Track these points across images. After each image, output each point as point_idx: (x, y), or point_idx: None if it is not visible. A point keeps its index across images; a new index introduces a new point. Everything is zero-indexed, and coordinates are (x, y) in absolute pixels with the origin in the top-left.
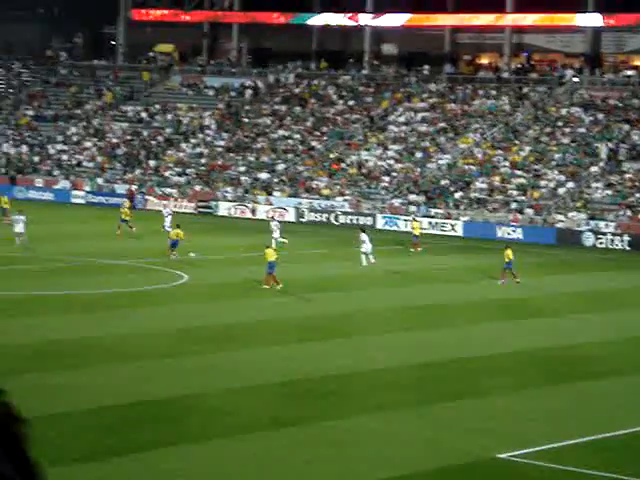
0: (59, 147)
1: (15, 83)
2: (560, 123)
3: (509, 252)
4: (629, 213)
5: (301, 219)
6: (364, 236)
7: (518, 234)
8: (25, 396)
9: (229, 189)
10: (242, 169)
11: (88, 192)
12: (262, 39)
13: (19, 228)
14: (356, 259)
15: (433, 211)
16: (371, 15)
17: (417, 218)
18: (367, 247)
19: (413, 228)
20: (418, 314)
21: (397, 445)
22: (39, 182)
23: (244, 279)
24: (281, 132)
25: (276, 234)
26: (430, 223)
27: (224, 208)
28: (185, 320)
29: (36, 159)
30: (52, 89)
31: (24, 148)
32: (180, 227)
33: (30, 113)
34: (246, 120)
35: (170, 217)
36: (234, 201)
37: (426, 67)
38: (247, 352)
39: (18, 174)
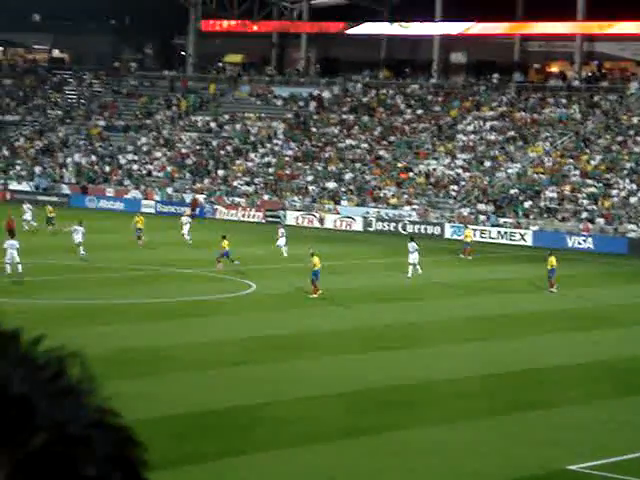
0: (129, 157)
1: (86, 94)
2: (632, 132)
3: (553, 259)
4: None
5: (368, 228)
6: (413, 245)
7: (589, 244)
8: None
9: (297, 198)
10: (310, 178)
11: (158, 201)
12: (330, 48)
13: (78, 238)
14: (420, 268)
15: (502, 220)
16: (440, 23)
17: (469, 226)
18: (414, 257)
19: (465, 236)
20: (486, 324)
21: (467, 456)
22: (110, 192)
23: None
24: (349, 141)
25: (281, 241)
26: (499, 232)
27: (292, 217)
28: (254, 329)
29: (107, 169)
30: (123, 99)
31: (95, 158)
32: (226, 237)
33: (101, 123)
34: (314, 129)
35: (188, 225)
36: (302, 210)
37: (495, 75)
38: (315, 361)
39: (89, 184)
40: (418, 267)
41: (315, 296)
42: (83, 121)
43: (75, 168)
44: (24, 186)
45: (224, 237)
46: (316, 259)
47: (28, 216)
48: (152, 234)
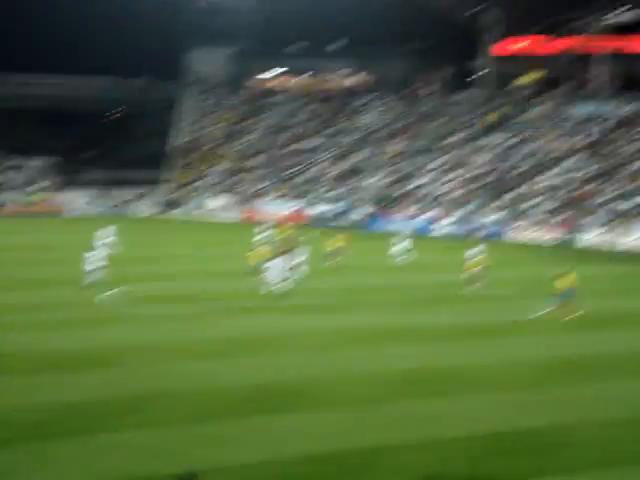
0: (425, 179)
1: (385, 117)
2: None
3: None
4: None
5: None
6: None
7: None
8: (393, 425)
9: (593, 218)
10: (608, 197)
11: (451, 223)
12: (631, 65)
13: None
14: None
15: None
16: None
17: None
18: None
19: None
20: None
21: None
22: (405, 214)
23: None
24: None
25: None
26: None
27: (587, 238)
28: (552, 350)
29: (403, 191)
30: (420, 122)
31: (392, 181)
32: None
33: (399, 147)
34: (611, 148)
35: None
36: (599, 230)
37: None
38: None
39: (386, 206)
40: None
41: (567, 318)
42: (381, 144)
43: (373, 191)
44: (322, 209)
45: (565, 272)
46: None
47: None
48: (444, 256)
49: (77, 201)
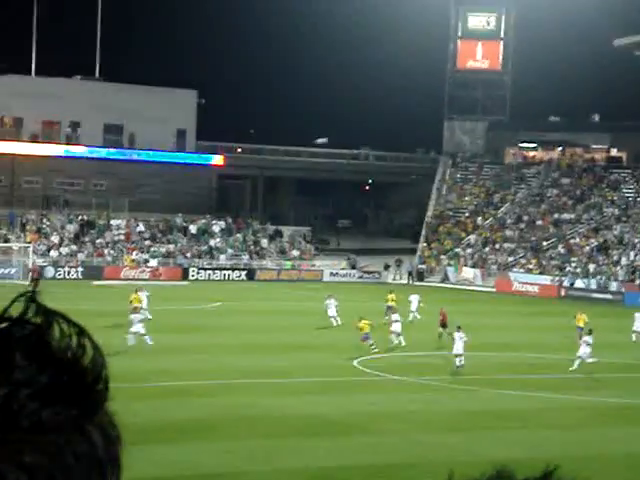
0: None
1: None
2: None
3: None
4: None
5: None
6: None
7: None
8: None
9: None
10: None
11: None
12: None
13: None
14: None
15: None
16: None
17: None
18: None
19: None
20: None
21: None
22: None
23: None
24: None
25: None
26: None
27: None
28: None
29: None
30: None
31: None
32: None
33: None
34: None
35: None
36: None
37: None
38: None
39: None
40: None
41: None
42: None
43: (630, 266)
44: (578, 283)
45: None
46: None
47: None
48: None
49: (333, 267)
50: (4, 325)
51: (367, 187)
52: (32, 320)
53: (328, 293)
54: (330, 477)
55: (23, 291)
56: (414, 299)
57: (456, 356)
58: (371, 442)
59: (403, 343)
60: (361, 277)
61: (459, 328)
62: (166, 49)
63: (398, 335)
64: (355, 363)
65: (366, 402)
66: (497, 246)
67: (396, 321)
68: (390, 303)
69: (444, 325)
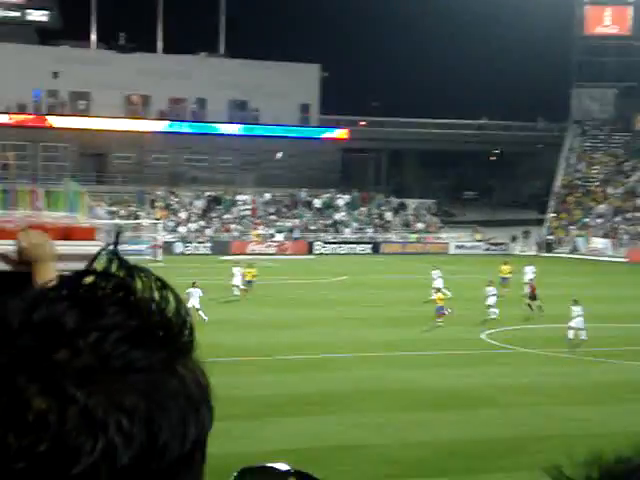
0: None
1: None
2: None
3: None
4: None
5: None
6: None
7: None
8: None
9: None
10: None
11: None
12: None
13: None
14: None
15: None
16: None
17: None
18: None
19: None
20: None
21: None
22: None
23: None
24: None
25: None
26: None
27: None
28: None
29: None
30: None
31: None
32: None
33: None
34: None
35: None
36: None
37: None
38: None
39: None
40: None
41: None
42: None
43: None
44: None
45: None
46: None
47: None
48: None
49: (460, 240)
50: (90, 278)
51: (492, 157)
52: (116, 274)
53: (434, 265)
54: (459, 450)
55: (104, 246)
56: (529, 270)
57: (573, 329)
58: (500, 415)
59: (492, 316)
60: (487, 249)
61: (576, 302)
62: (288, 23)
63: (489, 307)
64: (483, 336)
65: (494, 374)
66: (628, 215)
67: (493, 295)
68: (506, 275)
69: (533, 297)
